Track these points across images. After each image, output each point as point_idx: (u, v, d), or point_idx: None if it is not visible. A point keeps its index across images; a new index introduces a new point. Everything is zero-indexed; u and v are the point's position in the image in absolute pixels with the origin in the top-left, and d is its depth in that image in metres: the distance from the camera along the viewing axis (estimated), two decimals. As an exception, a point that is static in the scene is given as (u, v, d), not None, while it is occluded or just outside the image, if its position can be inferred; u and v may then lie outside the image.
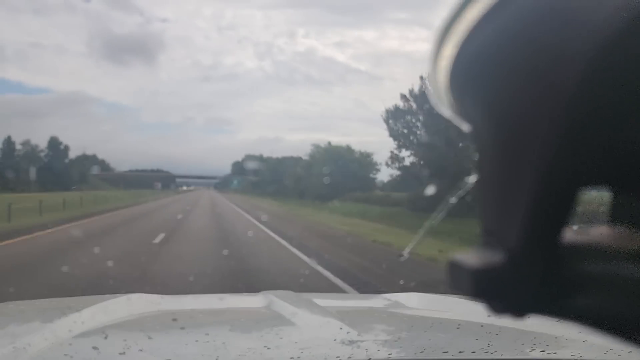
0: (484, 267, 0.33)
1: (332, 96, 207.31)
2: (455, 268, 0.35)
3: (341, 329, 1.31)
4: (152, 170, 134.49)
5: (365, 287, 7.07)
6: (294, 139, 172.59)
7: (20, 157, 71.51)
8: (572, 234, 0.31)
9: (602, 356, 1.15)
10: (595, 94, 0.28)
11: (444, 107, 0.39)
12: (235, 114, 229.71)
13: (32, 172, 49.71)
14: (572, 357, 1.16)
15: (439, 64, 0.37)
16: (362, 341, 1.21)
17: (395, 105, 31.25)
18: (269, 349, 1.20)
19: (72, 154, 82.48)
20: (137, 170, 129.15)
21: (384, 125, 30.97)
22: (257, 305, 1.88)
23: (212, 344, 1.29)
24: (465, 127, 0.38)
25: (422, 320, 1.77)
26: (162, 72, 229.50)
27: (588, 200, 0.32)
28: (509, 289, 0.32)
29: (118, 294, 1.99)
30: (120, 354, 1.15)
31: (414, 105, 30.04)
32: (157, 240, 12.32)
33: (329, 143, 53.39)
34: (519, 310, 0.33)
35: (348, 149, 51.19)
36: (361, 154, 50.40)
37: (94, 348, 1.19)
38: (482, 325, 1.45)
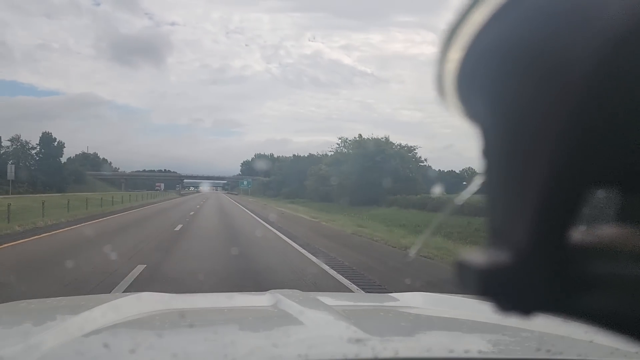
0: (491, 267, 0.32)
1: (339, 98, 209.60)
2: (462, 267, 0.35)
3: (348, 327, 1.31)
4: (160, 171, 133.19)
5: None
6: (301, 141, 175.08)
7: (8, 154, 63.94)
8: (579, 234, 0.31)
9: (608, 356, 1.15)
10: (601, 95, 0.28)
11: (451, 109, 0.39)
12: (243, 116, 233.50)
13: (11, 171, 41.75)
14: (579, 357, 1.18)
15: (446, 66, 0.37)
16: (368, 340, 1.18)
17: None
18: (277, 347, 1.19)
19: (73, 152, 77.22)
20: (144, 171, 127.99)
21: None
22: (265, 304, 1.88)
23: (221, 342, 1.30)
24: (472, 127, 0.38)
25: (428, 320, 1.79)
26: (171, 75, 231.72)
27: (595, 200, 0.32)
28: (516, 288, 0.32)
29: (128, 293, 2.10)
30: (130, 351, 1.14)
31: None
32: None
33: (360, 135, 44.52)
34: (525, 309, 0.32)
35: (386, 142, 41.33)
36: (401, 147, 41.06)
37: (105, 346, 1.19)
38: (488, 325, 1.47)
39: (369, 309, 2.11)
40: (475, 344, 1.29)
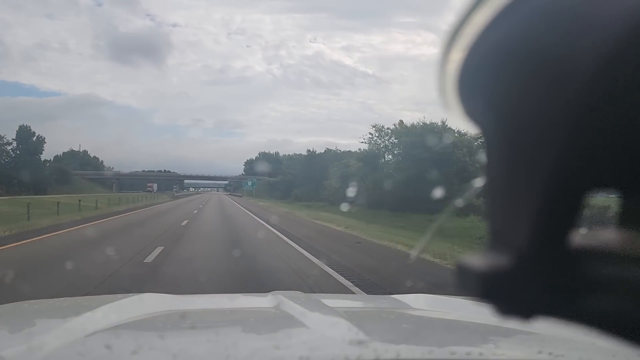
0: (492, 269, 0.32)
1: (340, 99, 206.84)
2: (463, 270, 0.34)
3: (350, 329, 1.31)
4: (159, 172, 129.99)
5: None
6: (302, 142, 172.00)
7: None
8: (580, 237, 0.31)
9: (610, 359, 1.14)
10: (604, 97, 0.27)
11: (452, 110, 0.39)
12: (244, 117, 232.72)
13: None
14: None
15: (447, 67, 0.37)
16: (370, 342, 1.18)
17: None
18: (278, 348, 1.19)
19: (61, 150, 71.66)
20: (142, 171, 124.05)
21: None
22: (267, 306, 1.87)
23: (223, 343, 1.30)
24: (473, 129, 0.38)
25: (429, 321, 1.79)
26: (173, 76, 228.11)
27: (596, 203, 0.31)
28: (516, 291, 0.32)
29: (130, 294, 2.01)
30: (132, 352, 1.14)
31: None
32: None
33: (401, 122, 34.15)
34: (526, 312, 0.32)
35: (443, 127, 30.42)
36: (461, 135, 28.93)
37: (107, 347, 1.18)
38: (490, 327, 1.47)
39: (371, 311, 2.13)
40: (477, 346, 1.29)
